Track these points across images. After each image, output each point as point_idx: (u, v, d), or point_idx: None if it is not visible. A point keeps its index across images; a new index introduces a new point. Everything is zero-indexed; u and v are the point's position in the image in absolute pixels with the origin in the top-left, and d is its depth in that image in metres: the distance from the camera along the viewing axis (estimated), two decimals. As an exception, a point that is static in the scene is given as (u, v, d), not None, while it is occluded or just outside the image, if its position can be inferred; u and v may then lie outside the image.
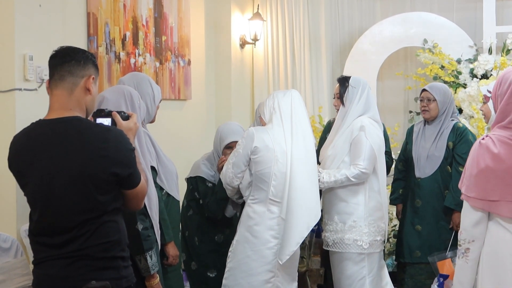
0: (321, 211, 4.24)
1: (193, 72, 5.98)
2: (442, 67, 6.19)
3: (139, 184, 2.62)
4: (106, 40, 4.73)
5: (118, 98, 3.16)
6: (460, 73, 6.13)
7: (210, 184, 4.20)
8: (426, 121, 4.90)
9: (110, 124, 2.65)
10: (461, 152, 4.67)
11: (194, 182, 4.23)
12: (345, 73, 6.20)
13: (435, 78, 6.13)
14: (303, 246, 5.42)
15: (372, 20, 6.92)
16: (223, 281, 3.96)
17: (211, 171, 4.25)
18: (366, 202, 4.19)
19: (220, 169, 4.12)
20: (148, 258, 3.09)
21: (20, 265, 3.49)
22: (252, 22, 6.70)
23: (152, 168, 3.36)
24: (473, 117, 5.89)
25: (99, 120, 2.66)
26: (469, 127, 5.52)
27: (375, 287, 4.24)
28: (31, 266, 3.46)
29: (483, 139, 2.87)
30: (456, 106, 5.95)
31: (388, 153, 4.95)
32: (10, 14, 3.70)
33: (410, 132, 5.05)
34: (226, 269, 3.96)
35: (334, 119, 4.95)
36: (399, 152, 5.26)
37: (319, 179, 4.10)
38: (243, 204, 4.12)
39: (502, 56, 6.04)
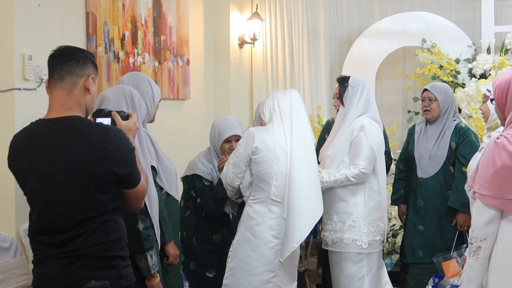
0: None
1: (192, 71, 5.98)
2: (441, 66, 6.19)
3: (139, 184, 2.62)
4: (105, 40, 4.73)
5: (118, 98, 3.16)
6: (458, 72, 6.14)
7: (207, 183, 4.19)
8: (428, 121, 4.90)
9: (109, 124, 2.66)
10: (464, 153, 4.68)
11: (191, 181, 4.22)
12: (344, 73, 6.21)
13: (434, 78, 6.13)
14: (301, 246, 5.43)
15: (371, 20, 6.92)
16: (224, 281, 3.97)
17: (207, 168, 4.22)
18: (366, 202, 4.19)
19: (220, 169, 4.11)
20: (149, 257, 3.09)
21: (20, 265, 3.49)
22: (251, 21, 6.70)
23: (152, 167, 3.36)
24: (471, 116, 5.89)
25: (99, 120, 2.66)
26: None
27: (374, 287, 4.24)
28: (31, 266, 3.46)
29: (497, 138, 2.88)
30: (455, 106, 5.96)
31: (387, 153, 4.95)
32: (9, 13, 3.70)
33: (411, 132, 5.05)
34: (227, 269, 3.96)
35: (333, 119, 4.95)
36: (398, 151, 5.26)
37: None
38: (241, 204, 4.12)
39: (500, 55, 6.04)
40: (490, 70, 6.01)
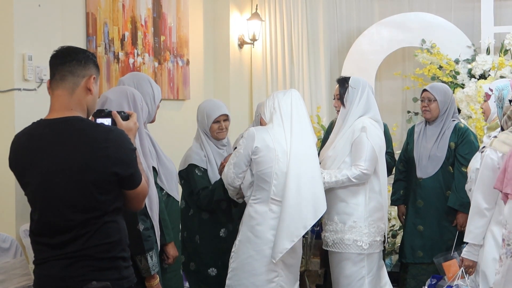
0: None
1: (192, 72, 5.99)
2: (440, 67, 6.19)
3: (140, 185, 2.62)
4: (105, 40, 4.74)
5: (120, 99, 3.17)
6: (458, 73, 6.14)
7: (199, 173, 4.20)
8: (427, 122, 4.90)
9: (110, 124, 2.66)
10: (463, 153, 4.69)
11: (185, 173, 4.23)
12: (343, 73, 6.21)
13: (433, 78, 6.13)
14: (302, 246, 5.42)
15: (370, 20, 6.91)
16: (227, 281, 3.97)
17: (200, 156, 4.26)
18: (366, 203, 4.19)
19: (221, 171, 4.12)
20: (149, 258, 3.09)
21: (20, 265, 3.49)
22: (251, 22, 6.70)
23: (153, 168, 3.36)
24: (471, 117, 5.89)
25: (99, 120, 2.66)
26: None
27: (374, 287, 4.24)
28: (31, 266, 3.48)
29: None
30: (454, 106, 5.96)
31: (390, 153, 4.96)
32: (9, 14, 3.70)
33: (411, 133, 5.06)
34: (230, 269, 3.97)
35: (336, 120, 4.95)
36: (397, 152, 5.26)
37: None
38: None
39: (500, 56, 6.04)
40: (489, 70, 6.00)
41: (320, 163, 4.29)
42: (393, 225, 5.83)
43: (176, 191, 3.71)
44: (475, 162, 3.91)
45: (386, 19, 6.70)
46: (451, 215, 4.74)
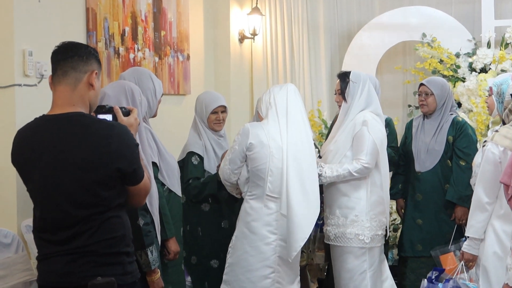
0: (322, 205, 4.25)
1: (192, 67, 5.98)
2: (441, 61, 6.19)
3: (142, 181, 2.62)
4: (105, 36, 4.73)
5: (118, 94, 3.17)
6: (458, 67, 6.13)
7: (196, 162, 4.24)
8: (425, 115, 4.91)
9: (111, 120, 2.66)
10: (461, 146, 4.71)
11: (182, 162, 4.25)
12: (344, 67, 6.21)
13: (434, 72, 6.13)
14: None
15: (371, 14, 6.91)
16: (224, 277, 3.99)
17: (198, 144, 4.31)
18: (368, 197, 4.19)
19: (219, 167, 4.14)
20: (149, 253, 3.10)
21: (21, 261, 3.49)
22: (251, 16, 6.69)
23: (154, 163, 3.36)
24: (472, 111, 5.89)
25: (101, 117, 2.66)
26: (468, 121, 5.53)
27: (375, 281, 4.24)
28: (32, 262, 3.48)
29: None
30: (455, 100, 5.95)
31: (394, 148, 4.95)
32: (9, 9, 3.69)
33: (409, 127, 5.07)
34: (226, 265, 3.99)
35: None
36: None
37: (321, 174, 4.10)
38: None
39: (500, 50, 6.04)
40: (490, 64, 6.00)
41: (321, 157, 4.30)
42: (395, 219, 5.83)
43: (178, 186, 3.71)
44: (479, 157, 3.92)
45: (386, 13, 6.70)
46: (450, 208, 4.76)
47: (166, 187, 3.57)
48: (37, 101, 3.70)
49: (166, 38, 5.56)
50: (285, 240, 3.89)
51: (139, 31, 5.14)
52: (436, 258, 4.20)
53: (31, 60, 3.78)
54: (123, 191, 2.58)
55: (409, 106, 6.71)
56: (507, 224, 3.48)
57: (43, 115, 2.58)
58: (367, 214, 4.17)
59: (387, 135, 4.72)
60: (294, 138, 3.91)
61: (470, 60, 6.13)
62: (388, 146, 4.71)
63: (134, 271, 2.64)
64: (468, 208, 3.78)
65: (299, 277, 4.10)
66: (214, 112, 4.36)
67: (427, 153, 4.80)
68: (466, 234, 3.69)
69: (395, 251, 5.79)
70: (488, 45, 6.15)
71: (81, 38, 4.43)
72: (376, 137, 4.15)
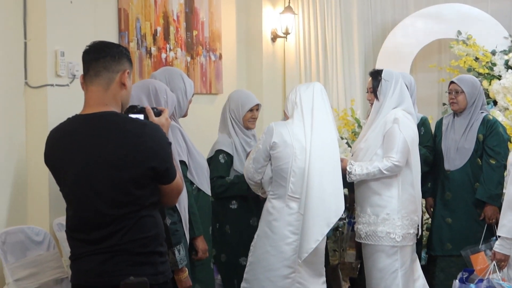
0: (354, 203, 4.22)
1: (225, 66, 5.99)
2: (476, 58, 6.12)
3: (175, 180, 2.62)
4: (137, 36, 4.77)
5: (139, 93, 3.18)
6: (494, 64, 6.05)
7: (223, 160, 4.26)
8: (455, 114, 4.86)
9: None
10: (492, 145, 4.65)
11: (210, 160, 4.27)
12: (378, 66, 6.17)
13: (469, 70, 6.06)
14: (335, 240, 5.41)
15: (405, 13, 6.86)
16: (244, 275, 3.99)
17: (228, 142, 4.33)
18: (400, 195, 4.15)
19: None
20: (176, 252, 3.10)
21: (53, 258, 3.53)
22: (284, 15, 6.68)
23: (183, 162, 3.38)
24: (507, 109, 5.81)
25: (133, 116, 2.66)
26: (504, 120, 5.44)
27: (407, 280, 4.20)
28: (64, 259, 3.52)
29: None
30: (491, 98, 5.87)
31: (430, 147, 4.89)
32: (41, 10, 3.73)
33: (439, 125, 5.02)
34: (247, 263, 3.99)
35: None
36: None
37: (351, 171, 4.08)
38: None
39: (537, 47, 5.95)
40: (526, 62, 5.92)
41: (352, 156, 4.28)
42: (427, 218, 5.77)
43: (207, 186, 3.72)
44: None
45: (421, 10, 6.65)
46: (480, 207, 4.70)
47: (195, 186, 3.59)
48: (69, 101, 3.74)
49: (198, 37, 5.58)
50: None
51: (171, 31, 5.17)
52: (466, 257, 4.15)
53: (63, 61, 3.81)
54: (156, 190, 2.58)
55: (444, 104, 6.63)
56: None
57: (76, 115, 2.59)
58: (399, 212, 4.14)
59: (423, 135, 4.69)
60: (318, 138, 3.89)
61: (506, 57, 6.05)
62: (424, 146, 4.67)
63: (166, 271, 2.63)
64: (498, 207, 3.73)
65: (325, 277, 4.07)
66: (249, 110, 4.39)
67: (457, 152, 4.75)
68: (498, 234, 3.64)
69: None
70: (525, 42, 6.07)
71: (113, 39, 4.47)
72: (407, 135, 4.11)
